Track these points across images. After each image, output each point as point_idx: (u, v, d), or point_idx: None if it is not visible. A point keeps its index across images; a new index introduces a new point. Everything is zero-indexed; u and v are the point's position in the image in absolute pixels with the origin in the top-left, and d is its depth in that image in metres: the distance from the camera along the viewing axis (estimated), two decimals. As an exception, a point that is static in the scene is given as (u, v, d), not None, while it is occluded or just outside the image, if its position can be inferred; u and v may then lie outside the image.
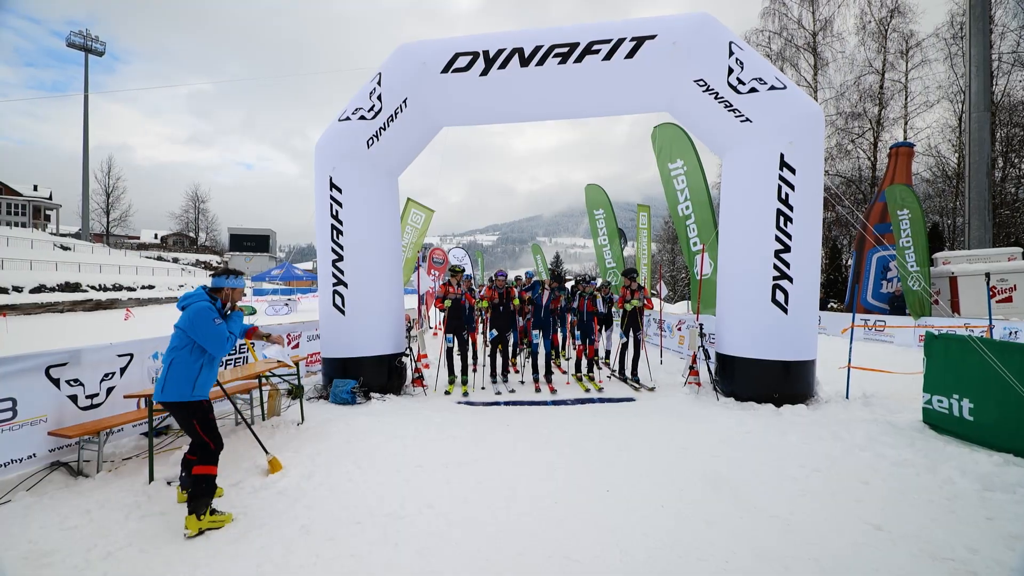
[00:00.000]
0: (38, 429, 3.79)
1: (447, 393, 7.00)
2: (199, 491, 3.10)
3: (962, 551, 2.76)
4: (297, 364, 5.58)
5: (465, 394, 6.99)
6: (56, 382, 3.93)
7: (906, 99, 28.05)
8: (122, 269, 42.21)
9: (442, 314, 7.44)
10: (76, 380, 4.07)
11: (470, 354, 7.53)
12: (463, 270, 7.57)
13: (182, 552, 2.89)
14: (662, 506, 3.40)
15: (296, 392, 6.16)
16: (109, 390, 4.33)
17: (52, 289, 31.92)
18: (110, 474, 3.98)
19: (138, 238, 69.95)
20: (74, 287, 33.89)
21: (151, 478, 3.82)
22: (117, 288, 37.60)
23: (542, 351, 7.96)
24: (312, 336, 7.83)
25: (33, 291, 30.43)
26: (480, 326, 7.74)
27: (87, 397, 4.15)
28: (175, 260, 59.20)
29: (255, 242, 66.60)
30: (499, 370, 7.59)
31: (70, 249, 43.53)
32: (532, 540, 2.99)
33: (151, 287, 41.84)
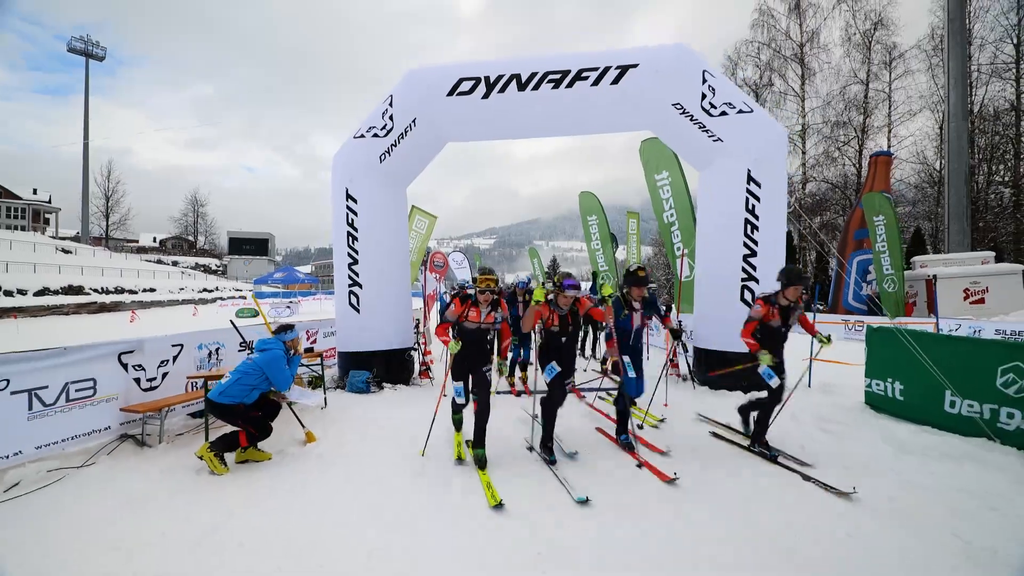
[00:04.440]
0: (111, 406, 4.50)
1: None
2: (223, 438, 4.13)
3: (867, 492, 3.50)
4: (321, 356, 6.30)
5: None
6: (125, 367, 4.64)
7: (890, 108, 29.11)
8: (124, 272, 42.63)
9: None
10: (139, 366, 4.78)
11: None
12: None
13: (247, 498, 3.60)
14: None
15: (317, 382, 6.86)
16: (164, 375, 5.04)
17: (56, 292, 32.39)
18: (169, 445, 4.69)
19: (137, 241, 70.28)
20: (77, 290, 34.34)
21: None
22: (119, 291, 38.05)
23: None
24: (328, 333, 8.54)
25: (37, 294, 30.92)
26: None
27: (148, 380, 4.86)
28: (175, 263, 59.65)
29: (254, 245, 67.08)
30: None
31: (71, 252, 43.97)
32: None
33: (152, 290, 42.27)
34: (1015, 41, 25.72)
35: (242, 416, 4.13)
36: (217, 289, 50.52)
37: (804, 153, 30.33)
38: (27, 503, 3.44)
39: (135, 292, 39.77)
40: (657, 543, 2.89)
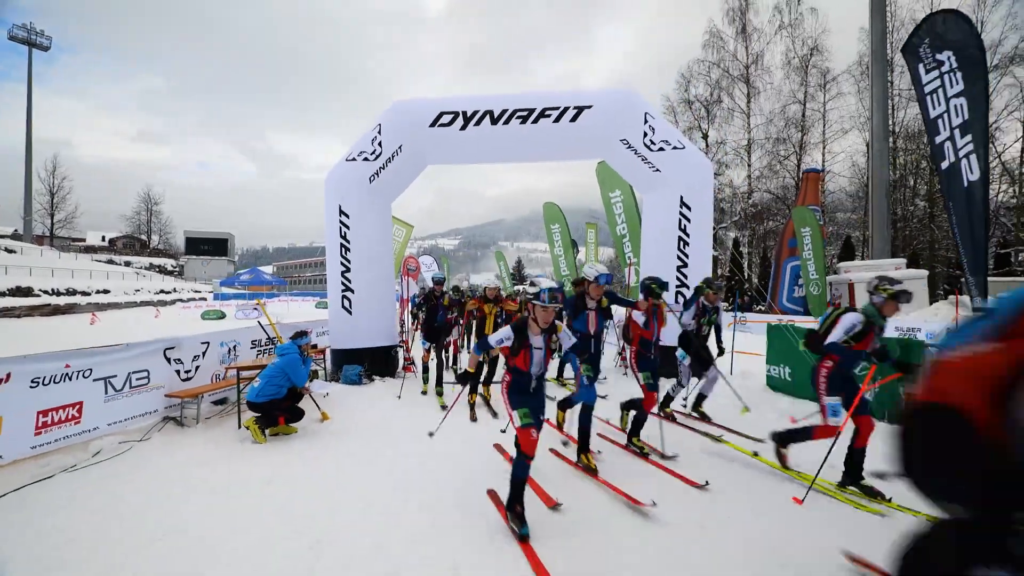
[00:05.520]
0: (159, 392, 5.42)
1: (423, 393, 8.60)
2: (265, 416, 5.11)
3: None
4: (324, 352, 7.32)
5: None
6: (168, 360, 5.56)
7: (824, 126, 31.97)
8: (75, 273, 41.15)
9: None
10: (179, 359, 5.71)
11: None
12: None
13: (283, 461, 4.65)
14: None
15: (314, 375, 7.85)
16: (197, 367, 5.97)
17: (3, 294, 31.23)
18: (204, 426, 5.64)
19: (84, 240, 67.17)
20: (26, 291, 33.14)
21: (239, 425, 5.51)
22: (71, 292, 36.82)
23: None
24: (320, 332, 9.48)
25: (-17, 296, 29.76)
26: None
27: (185, 372, 5.79)
28: (127, 264, 57.60)
29: (212, 245, 65.43)
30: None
31: (16, 252, 42.07)
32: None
33: (106, 291, 40.99)
34: (929, 70, 28.85)
35: (278, 408, 5.17)
36: (175, 290, 49.27)
37: (750, 166, 32.85)
38: (113, 465, 4.38)
39: (88, 294, 38.52)
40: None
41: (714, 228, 32.67)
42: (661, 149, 8.13)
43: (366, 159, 8.43)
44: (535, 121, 8.25)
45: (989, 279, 25.13)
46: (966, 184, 4.60)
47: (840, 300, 21.13)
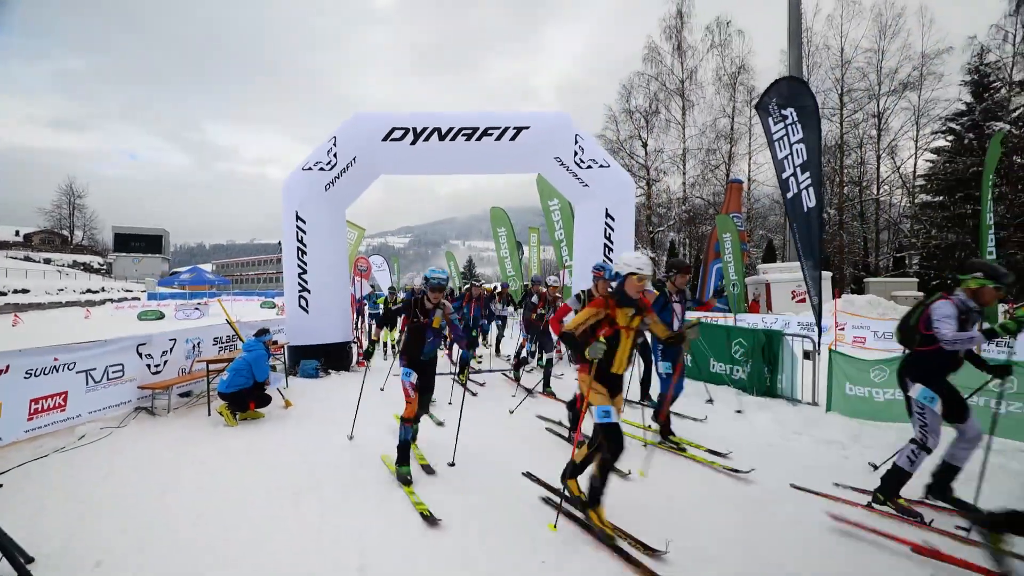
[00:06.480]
0: (132, 384, 5.94)
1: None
2: (235, 402, 5.74)
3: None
4: (283, 347, 7.94)
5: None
6: (140, 355, 6.08)
7: (750, 139, 34.84)
8: (-12, 271, 38.18)
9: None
10: (149, 355, 6.23)
11: None
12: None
13: (254, 438, 5.36)
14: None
15: (273, 368, 8.44)
16: (165, 362, 6.50)
17: (-96, 294, 28.77)
18: (175, 415, 6.20)
19: (-6, 235, 61.74)
20: (-68, 291, 30.63)
21: (209, 413, 6.12)
22: (-15, 292, 34.27)
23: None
24: (276, 331, 9.98)
25: None
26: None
27: (154, 366, 6.31)
28: (47, 261, 53.64)
29: (145, 242, 61.94)
30: None
31: (-84, 248, 38.50)
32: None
33: (25, 291, 38.36)
34: (839, 91, 32.34)
35: (247, 396, 5.83)
36: (103, 290, 46.54)
37: (684, 174, 35.30)
38: (99, 447, 4.93)
39: (4, 293, 35.99)
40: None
41: (653, 231, 34.98)
42: (589, 167, 9.30)
43: (322, 168, 9.08)
44: (479, 138, 9.18)
45: (888, 279, 28.34)
46: (806, 210, 5.98)
47: (760, 298, 23.52)
